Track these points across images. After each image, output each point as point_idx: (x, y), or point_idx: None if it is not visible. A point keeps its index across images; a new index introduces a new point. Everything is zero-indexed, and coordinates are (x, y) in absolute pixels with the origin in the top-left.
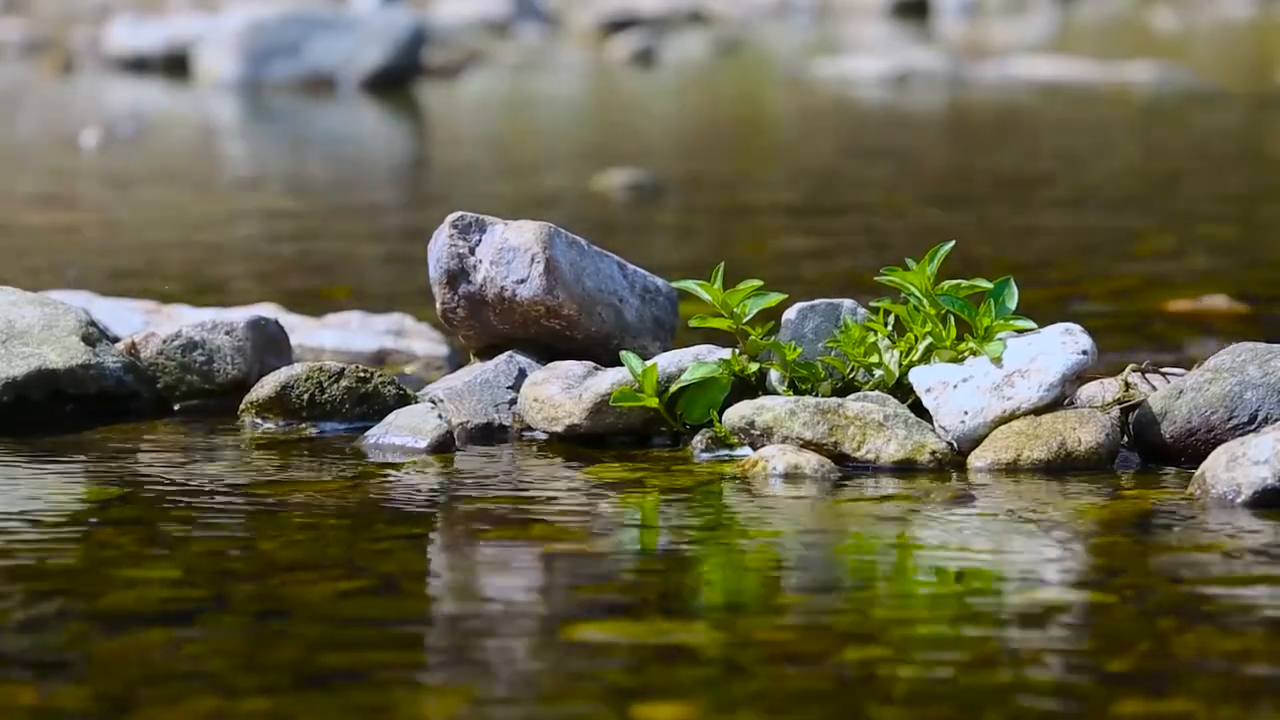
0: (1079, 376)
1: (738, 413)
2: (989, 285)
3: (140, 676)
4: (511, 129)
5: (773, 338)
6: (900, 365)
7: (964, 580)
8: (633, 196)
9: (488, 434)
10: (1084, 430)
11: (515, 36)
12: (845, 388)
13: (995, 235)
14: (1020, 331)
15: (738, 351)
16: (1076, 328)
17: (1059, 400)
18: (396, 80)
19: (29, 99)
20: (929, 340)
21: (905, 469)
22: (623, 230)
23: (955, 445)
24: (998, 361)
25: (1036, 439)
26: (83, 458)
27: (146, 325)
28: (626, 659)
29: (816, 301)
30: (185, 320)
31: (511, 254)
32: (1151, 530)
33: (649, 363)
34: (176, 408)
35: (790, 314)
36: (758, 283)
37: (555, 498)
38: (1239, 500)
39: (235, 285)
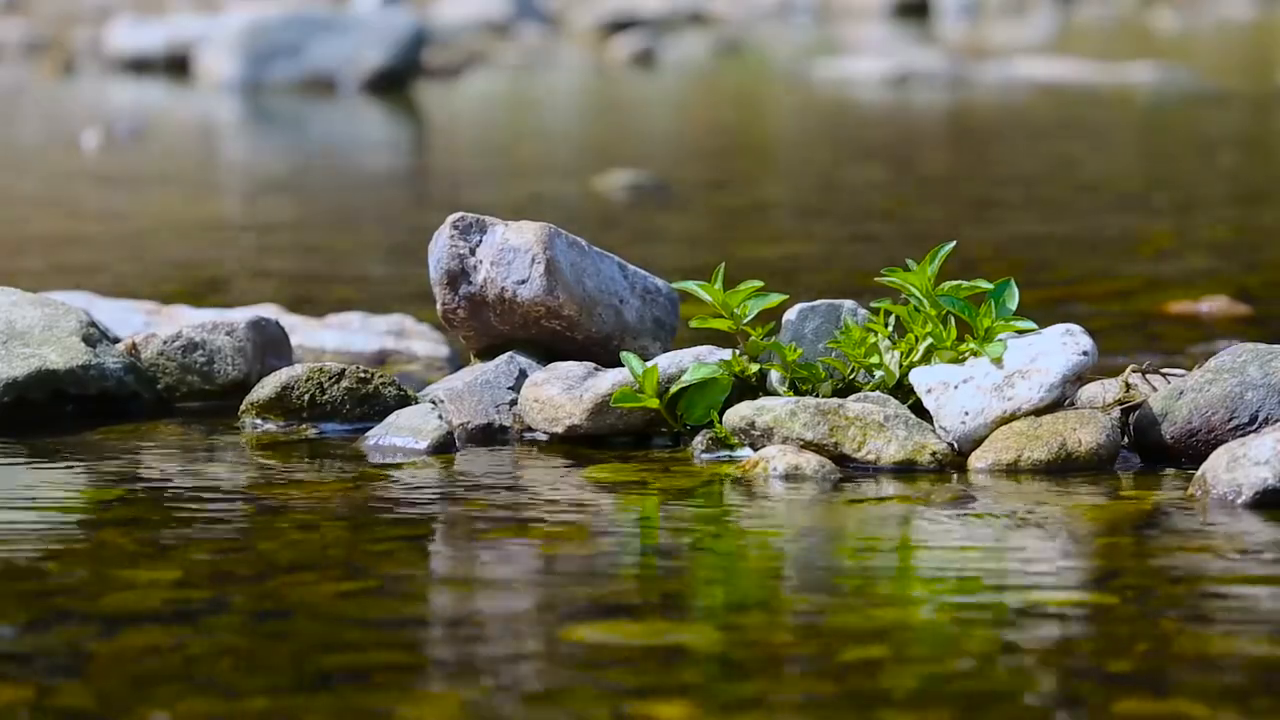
0: (1080, 377)
1: (738, 413)
2: (989, 286)
3: (140, 676)
4: (512, 130)
5: (773, 338)
6: (901, 366)
7: (964, 581)
8: (633, 197)
9: (488, 435)
10: (1084, 431)
11: (515, 37)
12: (846, 388)
13: (995, 236)
14: (1021, 332)
15: (738, 352)
16: (1077, 328)
17: (1060, 401)
18: (397, 81)
19: (29, 99)
20: (929, 341)
21: (906, 470)
22: (623, 231)
23: (956, 446)
24: (998, 362)
25: (1037, 440)
26: (83, 458)
27: (147, 326)
28: (626, 659)
29: (817, 302)
30: (186, 321)
31: (512, 254)
32: (1151, 530)
33: (649, 363)
34: (178, 408)
35: (790, 315)
36: (758, 283)
37: (555, 498)
38: (1239, 501)
39: (236, 285)
